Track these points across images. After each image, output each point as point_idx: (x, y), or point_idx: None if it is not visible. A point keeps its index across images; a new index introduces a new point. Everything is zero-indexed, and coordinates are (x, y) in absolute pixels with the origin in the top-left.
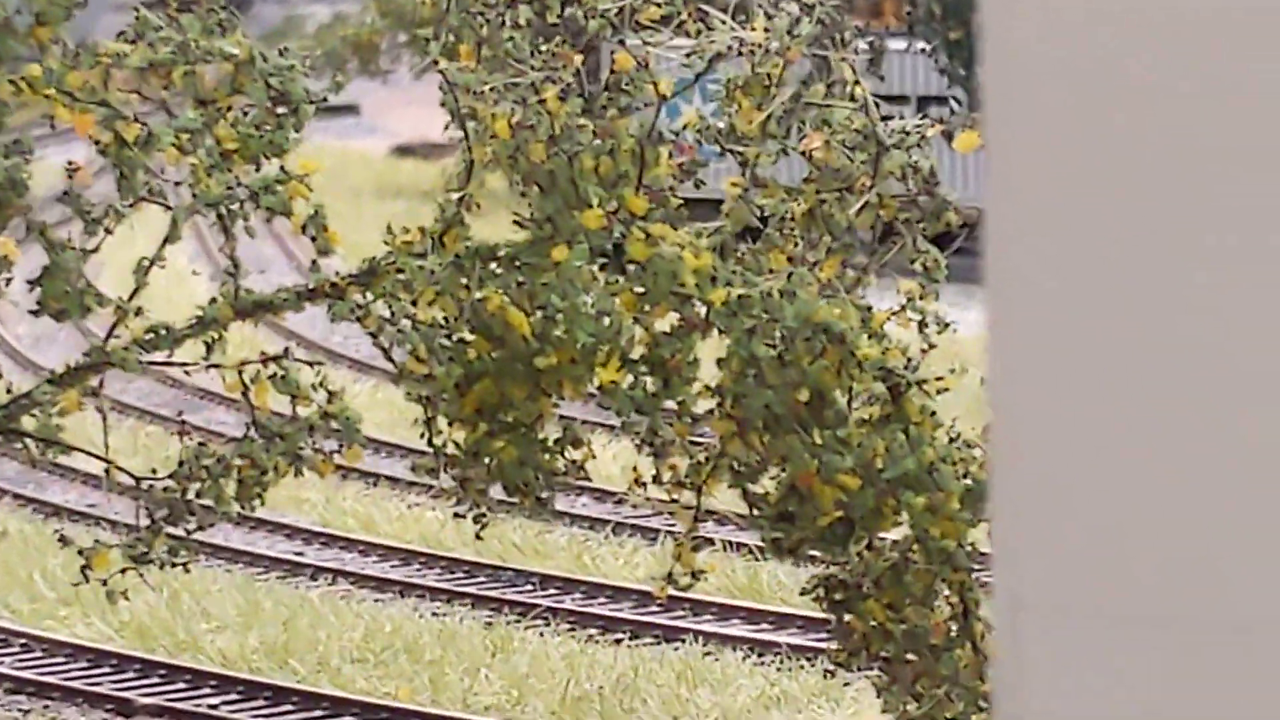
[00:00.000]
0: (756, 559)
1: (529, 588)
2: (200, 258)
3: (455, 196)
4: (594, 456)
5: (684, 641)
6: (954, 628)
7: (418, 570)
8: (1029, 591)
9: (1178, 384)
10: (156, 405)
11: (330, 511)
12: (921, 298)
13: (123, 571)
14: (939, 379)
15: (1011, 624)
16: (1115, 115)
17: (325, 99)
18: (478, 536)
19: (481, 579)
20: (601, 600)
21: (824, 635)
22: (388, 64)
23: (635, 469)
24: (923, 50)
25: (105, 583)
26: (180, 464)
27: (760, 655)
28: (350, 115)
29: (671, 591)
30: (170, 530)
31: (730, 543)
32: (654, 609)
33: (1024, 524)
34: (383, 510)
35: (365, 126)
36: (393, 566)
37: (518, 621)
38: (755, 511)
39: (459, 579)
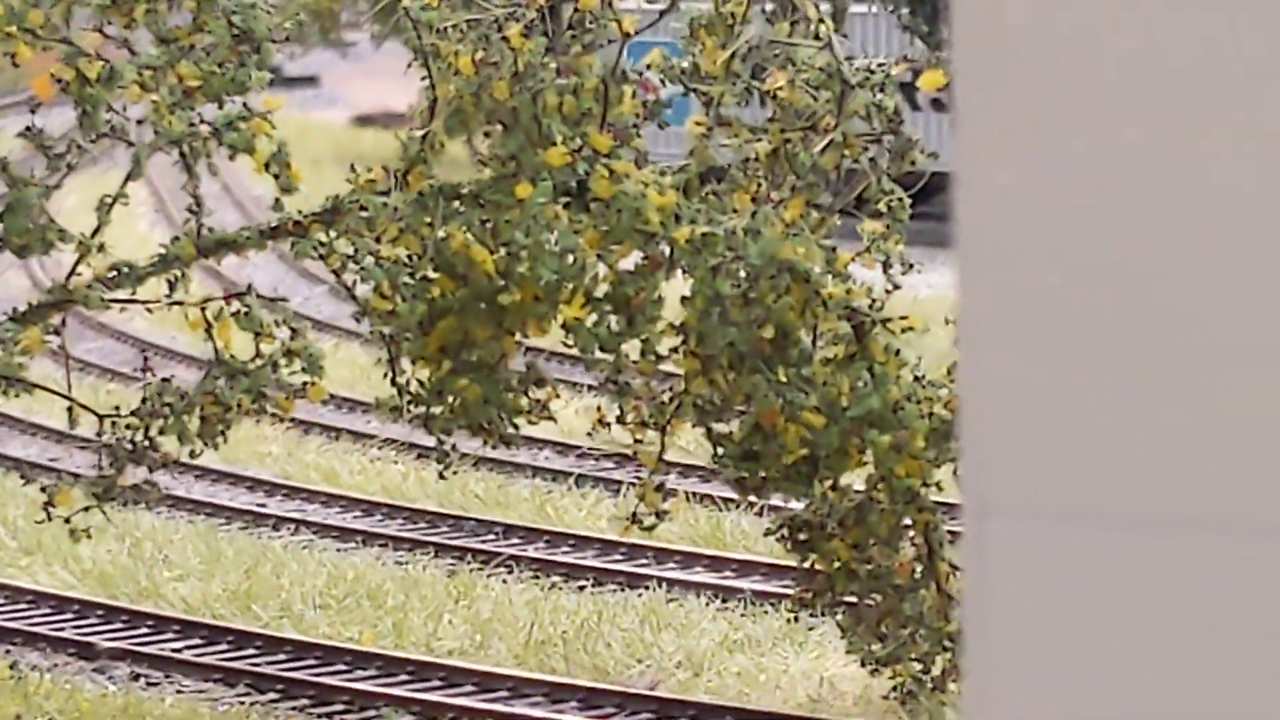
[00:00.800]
0: (719, 509)
1: (492, 537)
2: (161, 224)
3: (419, 134)
4: (558, 395)
5: (647, 588)
6: (919, 568)
7: (380, 521)
8: (997, 495)
9: (1150, 288)
10: (118, 363)
11: (292, 464)
12: (885, 238)
13: (85, 509)
14: (903, 318)
15: (979, 530)
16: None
17: (287, 38)
18: (441, 476)
19: (444, 529)
20: (565, 549)
21: (787, 582)
22: (347, 34)
23: (599, 409)
24: (885, 4)
25: (68, 520)
26: (143, 400)
27: (724, 601)
28: (310, 87)
29: (635, 540)
30: (131, 479)
31: (693, 494)
32: (617, 557)
33: (992, 426)
34: (345, 463)
35: (325, 98)
36: (355, 517)
37: (481, 569)
38: (720, 450)
39: (421, 529)
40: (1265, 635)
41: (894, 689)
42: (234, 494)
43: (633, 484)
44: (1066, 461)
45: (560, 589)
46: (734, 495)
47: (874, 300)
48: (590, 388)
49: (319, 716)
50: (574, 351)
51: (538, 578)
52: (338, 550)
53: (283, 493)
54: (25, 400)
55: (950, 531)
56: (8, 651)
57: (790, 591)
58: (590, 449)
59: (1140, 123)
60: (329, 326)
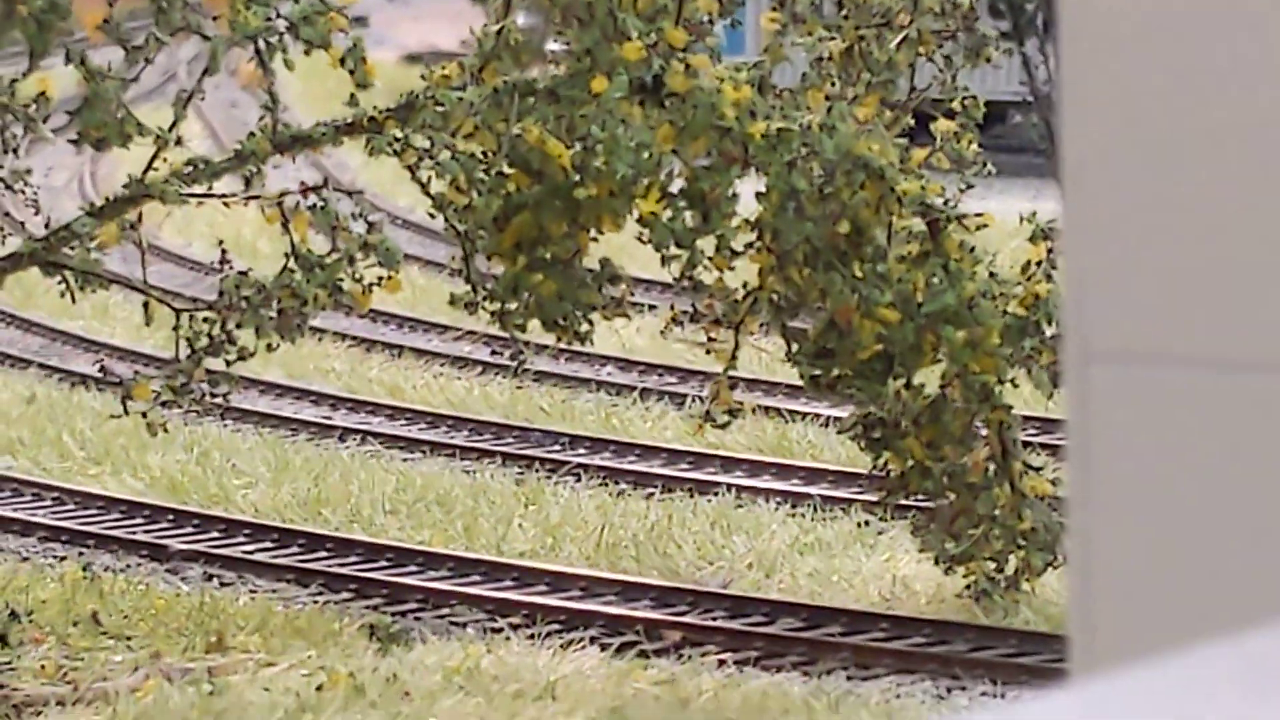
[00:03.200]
0: (785, 420)
1: (558, 447)
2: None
3: (494, 30)
4: (632, 294)
5: (716, 494)
6: (992, 467)
7: (446, 432)
8: (1099, 341)
9: (1248, 141)
10: (180, 285)
11: (356, 380)
12: (958, 138)
13: (164, 404)
14: (978, 214)
15: (1082, 376)
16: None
17: None
18: (515, 373)
19: (510, 439)
20: (631, 458)
21: (856, 488)
22: None
23: (672, 308)
24: None
25: (145, 415)
26: (220, 294)
27: (793, 506)
28: (359, 27)
29: (701, 449)
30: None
31: (759, 406)
32: (684, 465)
33: (1094, 275)
34: (408, 379)
35: (374, 38)
36: (420, 429)
37: (548, 477)
38: (794, 348)
39: (488, 439)
40: None
41: (967, 587)
42: (299, 407)
43: (698, 398)
44: (1167, 307)
45: (629, 496)
46: (799, 408)
47: (947, 200)
48: (652, 307)
49: (393, 615)
50: (634, 272)
51: (605, 485)
52: (404, 460)
53: (348, 406)
54: (87, 319)
55: (1025, 440)
56: (80, 554)
57: (860, 497)
58: (654, 364)
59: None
60: None
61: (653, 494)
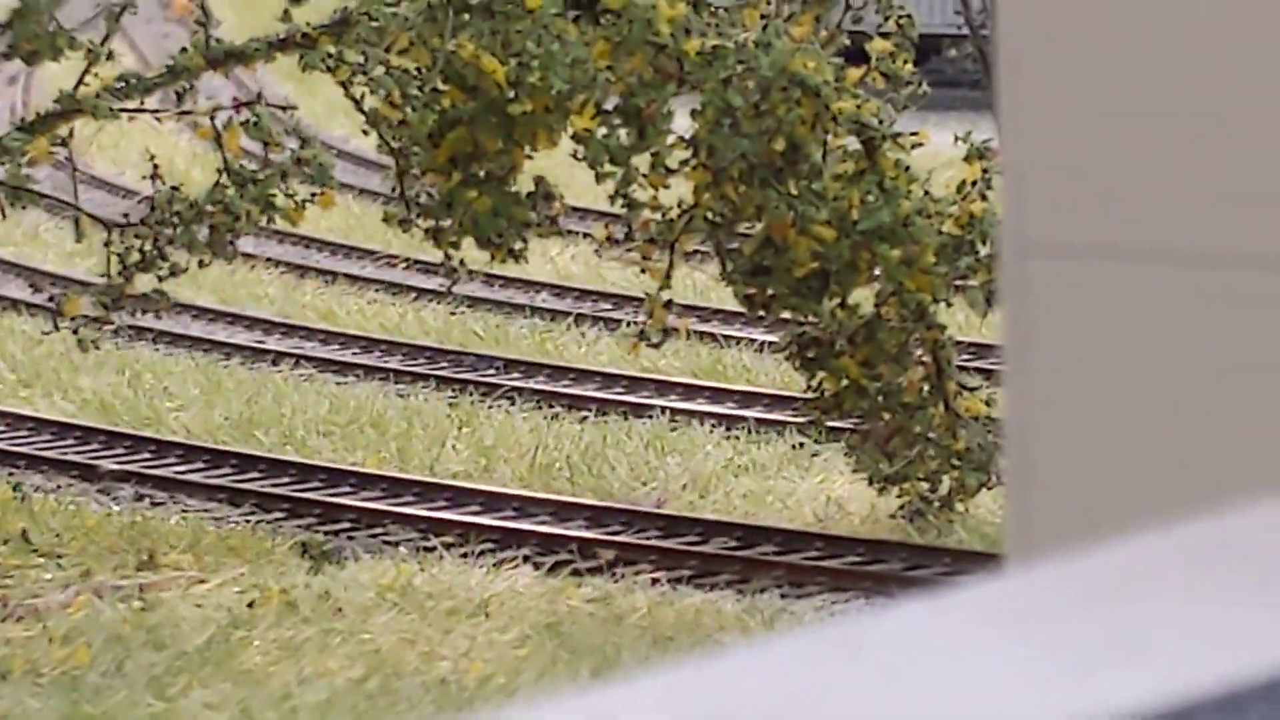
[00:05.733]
0: (720, 345)
1: (492, 371)
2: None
3: None
4: (566, 212)
5: (650, 417)
6: (927, 387)
7: (380, 356)
8: (1037, 231)
9: (1190, 32)
10: (113, 214)
11: (289, 305)
12: (894, 57)
13: (95, 320)
14: (914, 133)
15: (1019, 271)
16: None
17: None
18: (449, 290)
19: (444, 364)
20: (566, 382)
21: (790, 411)
22: None
23: (606, 227)
24: None
25: (76, 331)
26: (152, 209)
27: (728, 428)
28: None
29: (636, 373)
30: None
31: (693, 331)
32: (619, 389)
33: (1031, 170)
34: (342, 305)
35: None
36: (354, 354)
37: (482, 401)
38: (728, 266)
39: (421, 364)
40: None
41: (901, 508)
42: (232, 332)
43: (633, 323)
44: (1105, 200)
45: (563, 419)
46: (733, 333)
47: (881, 120)
48: (585, 235)
49: (326, 534)
50: (568, 201)
51: (540, 408)
52: (338, 384)
53: (281, 330)
54: (19, 245)
55: (961, 366)
56: (10, 474)
57: (795, 420)
58: (588, 290)
59: None
60: None
61: (587, 417)
